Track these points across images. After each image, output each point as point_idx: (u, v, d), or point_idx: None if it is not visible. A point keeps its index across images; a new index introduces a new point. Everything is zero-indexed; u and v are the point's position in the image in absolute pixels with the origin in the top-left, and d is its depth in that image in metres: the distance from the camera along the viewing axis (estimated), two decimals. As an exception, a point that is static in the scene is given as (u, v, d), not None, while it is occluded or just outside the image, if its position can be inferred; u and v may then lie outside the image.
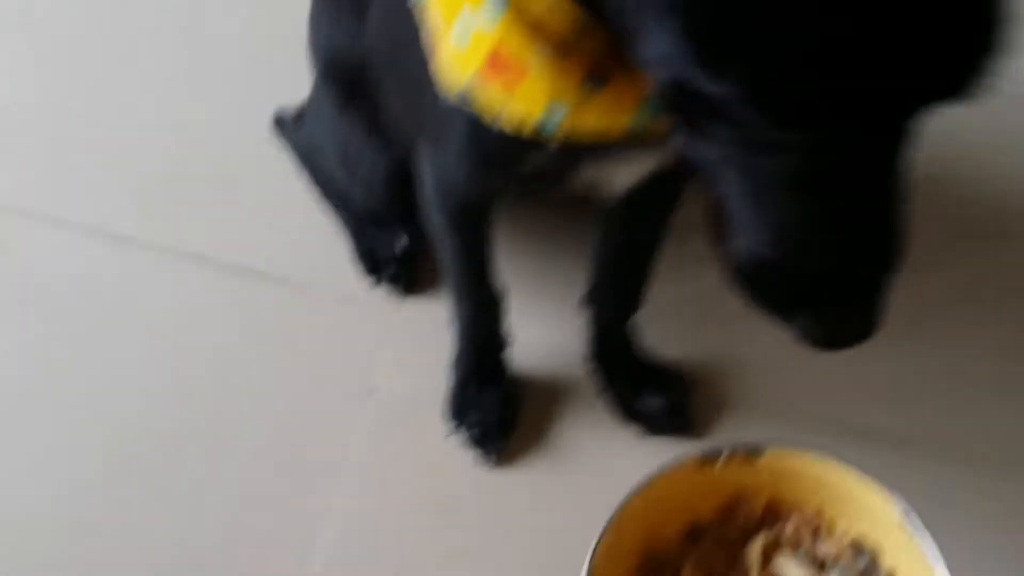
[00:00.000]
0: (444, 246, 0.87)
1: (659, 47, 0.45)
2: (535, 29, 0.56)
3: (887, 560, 0.79)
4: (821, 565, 0.79)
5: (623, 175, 0.73)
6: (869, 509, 0.77)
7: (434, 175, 0.79)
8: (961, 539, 0.81)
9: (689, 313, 1.07)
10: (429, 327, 1.04)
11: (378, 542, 0.94)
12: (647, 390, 1.00)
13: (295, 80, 1.08)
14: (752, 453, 0.80)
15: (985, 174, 1.17)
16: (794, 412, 1.01)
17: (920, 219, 0.55)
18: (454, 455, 0.98)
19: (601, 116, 0.59)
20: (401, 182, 0.92)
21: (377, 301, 1.07)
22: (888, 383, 1.04)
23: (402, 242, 1.08)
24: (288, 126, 1.13)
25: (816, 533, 0.81)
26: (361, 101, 0.91)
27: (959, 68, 0.44)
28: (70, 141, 1.17)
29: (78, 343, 1.04)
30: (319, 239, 1.10)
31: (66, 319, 1.05)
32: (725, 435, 0.98)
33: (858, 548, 0.80)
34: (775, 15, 0.41)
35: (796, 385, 1.02)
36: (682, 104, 0.48)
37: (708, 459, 0.79)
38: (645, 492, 0.78)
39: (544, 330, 1.04)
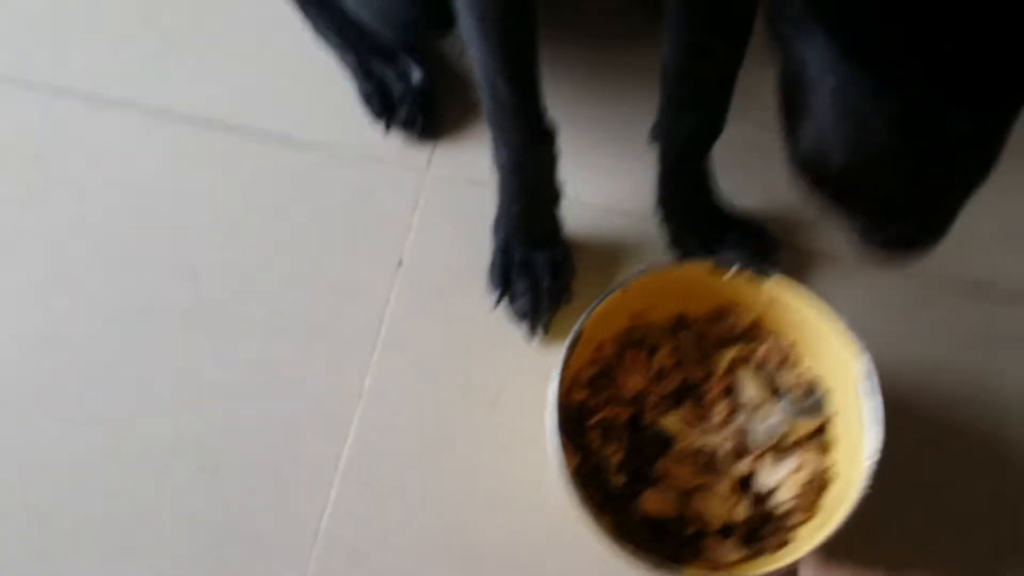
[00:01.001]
0: (483, 68, 0.73)
1: None
2: None
3: (833, 405, 0.81)
4: (775, 391, 0.82)
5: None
6: (836, 357, 0.79)
7: None
8: None
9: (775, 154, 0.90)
10: (464, 185, 0.90)
11: (407, 422, 0.84)
12: (727, 243, 0.86)
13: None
14: (759, 275, 0.81)
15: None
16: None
17: None
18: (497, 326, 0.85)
19: None
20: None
21: (403, 157, 0.92)
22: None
23: (416, 76, 0.93)
24: None
25: (783, 362, 0.84)
26: None
27: None
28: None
29: (96, 216, 0.92)
30: (334, 97, 0.95)
31: (71, 187, 0.93)
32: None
33: (812, 387, 0.83)
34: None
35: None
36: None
37: (720, 268, 0.82)
38: (656, 273, 0.81)
39: (603, 177, 0.91)
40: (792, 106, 0.53)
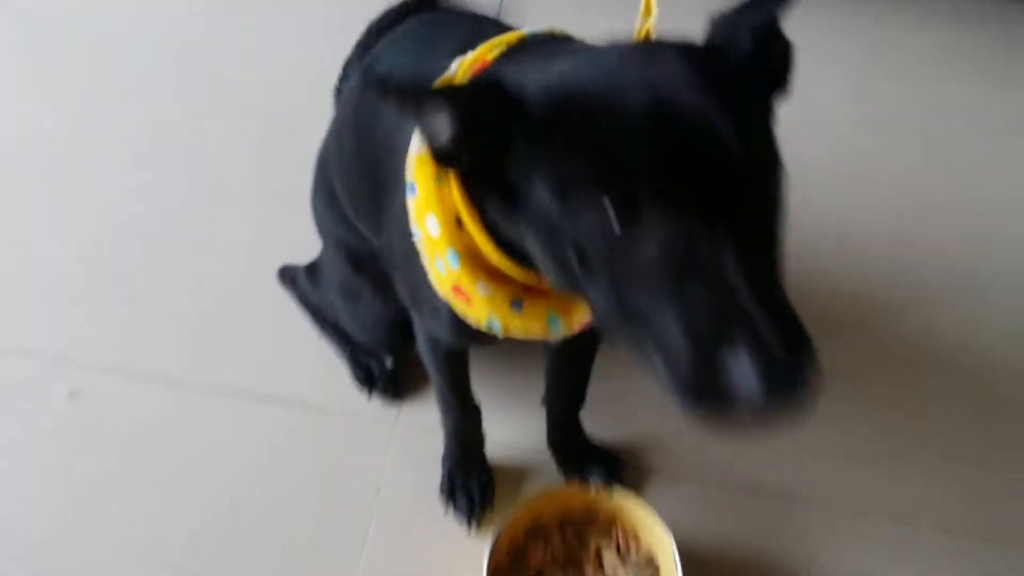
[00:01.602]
0: (434, 378, 1.18)
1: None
2: (483, 270, 0.85)
3: (661, 567, 1.23)
4: (624, 561, 1.24)
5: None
6: (659, 538, 1.21)
7: (425, 335, 1.10)
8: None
9: (621, 406, 1.39)
10: (422, 432, 1.34)
11: None
12: (592, 466, 1.32)
13: (293, 239, 1.40)
14: (609, 489, 1.25)
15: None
16: (699, 475, 1.34)
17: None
18: (446, 527, 1.29)
19: (522, 327, 0.89)
20: (396, 327, 1.24)
21: (378, 413, 1.37)
22: (771, 452, 1.37)
23: (388, 363, 1.39)
24: (297, 278, 1.41)
25: (629, 543, 1.25)
26: (369, 271, 1.22)
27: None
28: (119, 303, 1.46)
29: (141, 475, 1.32)
30: (326, 368, 1.40)
31: (127, 454, 1.33)
32: (647, 499, 1.29)
33: (651, 559, 1.23)
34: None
35: (701, 455, 1.36)
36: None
37: (585, 486, 1.26)
38: (546, 491, 1.25)
39: (513, 428, 1.36)
40: (643, 362, 0.66)
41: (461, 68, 0.84)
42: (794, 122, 1.63)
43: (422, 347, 1.13)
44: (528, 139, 0.69)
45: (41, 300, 1.45)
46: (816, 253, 1.53)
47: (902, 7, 1.81)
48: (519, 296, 0.86)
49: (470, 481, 1.30)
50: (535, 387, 1.31)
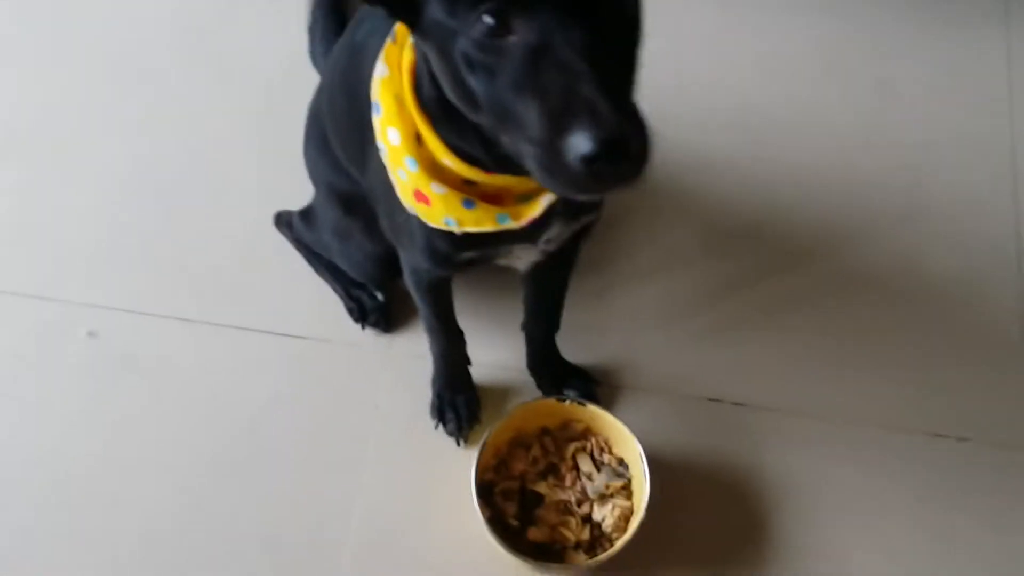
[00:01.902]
0: (420, 308, 1.32)
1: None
2: (437, 174, 0.97)
3: (631, 472, 1.36)
4: (599, 466, 1.37)
5: (524, 259, 1.19)
6: (629, 445, 1.34)
7: (408, 265, 1.23)
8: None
9: (594, 331, 1.53)
10: (413, 358, 1.48)
11: (394, 520, 1.38)
12: (568, 384, 1.46)
13: (288, 188, 1.52)
14: (583, 402, 1.38)
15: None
16: (666, 389, 1.49)
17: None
18: (438, 441, 1.44)
19: (474, 221, 1.00)
20: (383, 262, 1.36)
21: (373, 343, 1.51)
22: (731, 367, 1.51)
23: (379, 297, 1.52)
24: (292, 222, 1.53)
25: (602, 450, 1.39)
26: (358, 212, 1.33)
27: None
28: (134, 251, 1.58)
29: (163, 404, 1.45)
30: (325, 305, 1.53)
31: (149, 386, 1.47)
32: (619, 411, 1.44)
33: (622, 462, 1.37)
34: None
35: (667, 371, 1.50)
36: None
37: (560, 399, 1.38)
38: (526, 406, 1.38)
39: (496, 349, 1.48)
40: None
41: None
42: (759, 68, 1.79)
43: (408, 279, 1.26)
44: None
45: (62, 250, 1.57)
46: (773, 186, 1.66)
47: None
48: (470, 198, 0.99)
49: (457, 399, 1.43)
50: (515, 315, 1.44)
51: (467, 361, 1.43)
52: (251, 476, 1.41)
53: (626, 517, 1.33)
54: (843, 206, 1.65)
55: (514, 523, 1.34)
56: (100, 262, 1.56)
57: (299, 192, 1.49)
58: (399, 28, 0.98)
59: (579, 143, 0.71)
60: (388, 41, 0.99)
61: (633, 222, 1.61)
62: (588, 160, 0.71)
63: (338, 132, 1.27)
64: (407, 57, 0.97)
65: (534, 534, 1.34)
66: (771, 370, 1.51)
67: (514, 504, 1.36)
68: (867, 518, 1.41)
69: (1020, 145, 1.71)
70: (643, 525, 1.29)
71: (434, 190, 0.98)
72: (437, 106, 0.93)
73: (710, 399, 1.48)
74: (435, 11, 0.81)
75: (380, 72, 0.98)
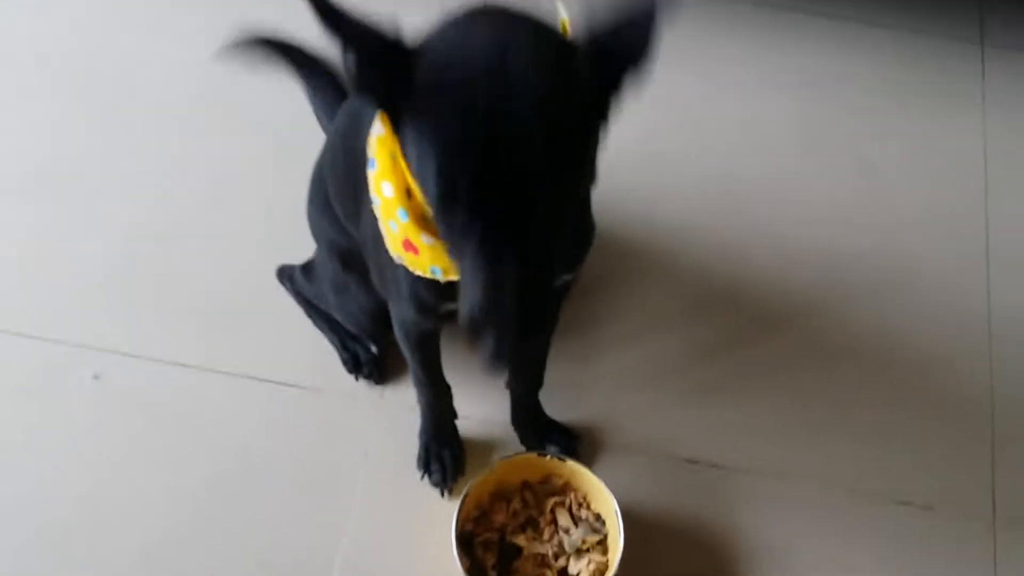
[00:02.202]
0: (409, 360, 1.38)
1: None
2: (425, 225, 1.03)
3: (607, 527, 1.41)
4: (576, 521, 1.43)
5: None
6: (606, 502, 1.40)
7: (397, 318, 1.30)
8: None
9: (576, 390, 1.59)
10: (404, 409, 1.54)
11: (376, 564, 1.44)
12: (550, 440, 1.52)
13: (290, 243, 1.60)
14: (563, 458, 1.43)
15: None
16: (645, 448, 1.55)
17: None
18: (423, 491, 1.49)
19: None
20: (377, 316, 1.43)
21: (366, 394, 1.57)
22: (709, 429, 1.58)
23: (373, 350, 1.59)
24: (294, 275, 1.60)
25: (580, 505, 1.44)
26: (355, 268, 1.40)
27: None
28: (138, 296, 1.65)
29: (157, 446, 1.52)
30: (320, 356, 1.60)
31: (146, 427, 1.53)
32: (599, 468, 1.50)
33: (599, 517, 1.42)
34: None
35: (646, 432, 1.56)
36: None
37: (541, 454, 1.44)
38: (508, 460, 1.44)
39: (479, 406, 1.54)
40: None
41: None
42: (741, 140, 1.87)
43: (397, 332, 1.33)
44: (406, 94, 0.85)
45: (69, 293, 1.64)
46: (752, 255, 1.73)
47: (847, 36, 2.01)
48: None
49: (443, 452, 1.49)
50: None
51: (454, 415, 1.50)
52: (240, 515, 1.47)
53: (601, 572, 1.39)
54: (819, 277, 1.72)
55: (492, 574, 1.40)
56: (107, 306, 1.63)
57: (301, 246, 1.57)
58: None
59: (485, 346, 0.88)
60: None
61: (616, 285, 1.68)
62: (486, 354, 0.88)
63: (337, 188, 1.34)
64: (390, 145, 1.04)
65: (512, 586, 1.39)
66: (747, 433, 1.57)
67: (493, 555, 1.41)
68: (836, 577, 1.47)
69: (994, 224, 1.79)
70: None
71: (423, 240, 1.05)
72: None
73: (687, 460, 1.54)
74: (408, 139, 0.87)
75: (377, 131, 1.06)
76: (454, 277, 1.05)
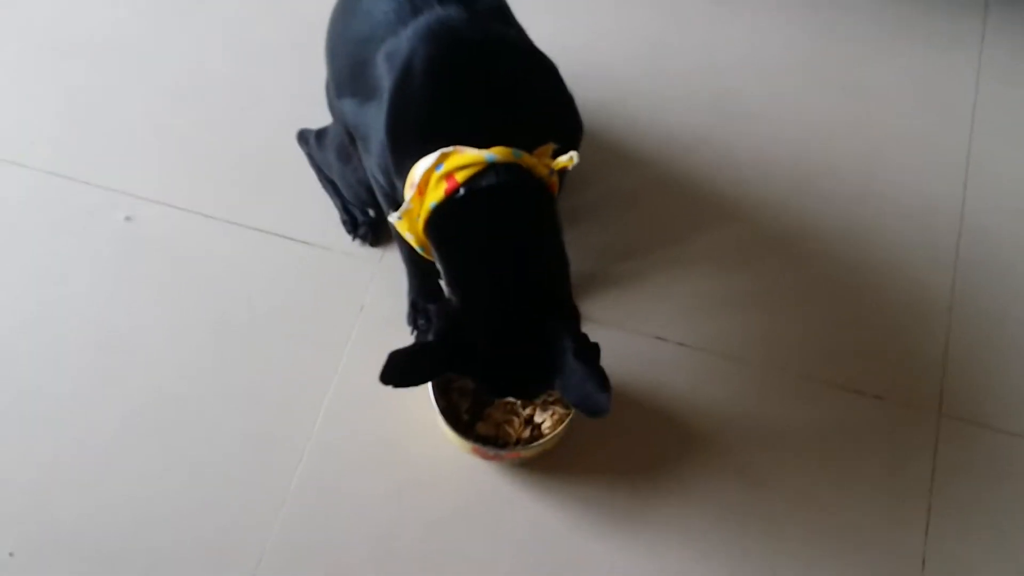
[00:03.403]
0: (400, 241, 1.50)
1: None
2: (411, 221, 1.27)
3: None
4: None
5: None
6: None
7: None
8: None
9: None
10: (399, 272, 1.66)
11: (362, 399, 1.59)
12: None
13: (311, 111, 1.74)
14: None
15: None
16: (620, 324, 1.68)
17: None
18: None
19: None
20: (371, 188, 1.53)
21: (366, 254, 1.72)
22: (677, 311, 1.70)
23: (371, 214, 1.73)
24: (309, 140, 1.74)
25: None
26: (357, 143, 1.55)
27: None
28: (172, 150, 1.82)
29: (180, 285, 1.69)
30: (330, 219, 1.75)
31: (170, 268, 1.70)
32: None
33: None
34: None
35: (620, 310, 1.69)
36: None
37: None
38: None
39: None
40: None
41: (430, 179, 1.26)
42: (743, 57, 1.96)
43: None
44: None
45: (109, 144, 1.81)
46: (738, 160, 1.84)
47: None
48: None
49: (429, 307, 1.63)
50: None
51: (438, 274, 1.62)
52: (241, 355, 1.63)
53: (562, 422, 1.52)
54: (798, 181, 1.82)
55: (465, 417, 1.54)
56: (142, 157, 1.81)
57: (322, 115, 1.69)
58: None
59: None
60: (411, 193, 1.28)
61: (603, 178, 1.81)
62: None
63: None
64: (417, 227, 1.31)
65: (482, 428, 1.53)
66: (712, 317, 1.69)
67: (467, 401, 1.55)
68: (781, 454, 1.58)
69: (975, 152, 1.86)
70: (572, 423, 1.48)
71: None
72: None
73: (656, 336, 1.67)
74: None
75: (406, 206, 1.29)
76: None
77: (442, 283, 1.36)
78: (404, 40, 1.30)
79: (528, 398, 1.50)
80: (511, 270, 1.25)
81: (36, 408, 1.59)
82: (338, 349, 1.63)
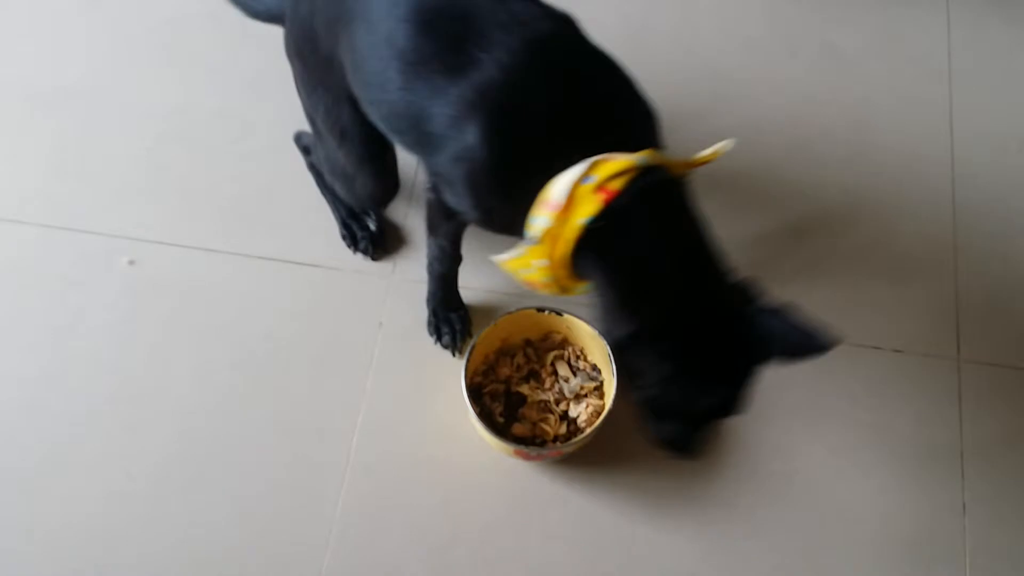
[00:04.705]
0: (439, 234, 1.50)
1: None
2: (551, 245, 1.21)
3: (603, 375, 1.56)
4: (574, 370, 1.57)
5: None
6: (601, 350, 1.52)
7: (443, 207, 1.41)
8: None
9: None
10: (412, 283, 1.68)
11: (395, 417, 1.59)
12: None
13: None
14: (560, 311, 1.54)
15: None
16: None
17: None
18: (434, 353, 1.64)
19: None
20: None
21: (378, 270, 1.71)
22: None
23: (372, 225, 1.72)
24: (309, 144, 1.70)
25: (578, 356, 1.59)
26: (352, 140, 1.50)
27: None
28: (170, 192, 1.79)
29: (189, 322, 1.66)
30: (337, 237, 1.73)
31: (177, 306, 1.68)
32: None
33: (595, 367, 1.57)
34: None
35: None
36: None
37: (540, 310, 1.55)
38: (510, 315, 1.54)
39: (482, 278, 1.69)
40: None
41: (575, 193, 1.17)
42: (722, 21, 1.96)
43: (435, 215, 1.46)
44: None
45: (103, 190, 1.78)
46: (723, 125, 1.81)
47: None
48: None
49: (451, 315, 1.64)
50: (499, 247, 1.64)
51: (457, 282, 1.64)
52: (267, 389, 1.62)
53: (598, 413, 1.53)
54: (792, 149, 1.84)
55: (500, 420, 1.55)
56: (138, 199, 1.77)
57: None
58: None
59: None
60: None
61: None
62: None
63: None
64: (560, 250, 1.22)
65: (518, 429, 1.54)
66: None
67: (500, 404, 1.56)
68: (815, 421, 1.61)
69: (957, 101, 1.90)
70: (610, 415, 1.48)
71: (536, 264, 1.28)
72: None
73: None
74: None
75: (542, 223, 1.20)
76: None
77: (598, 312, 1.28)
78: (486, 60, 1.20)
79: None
80: (695, 269, 1.21)
81: (75, 459, 1.56)
82: (363, 369, 1.62)
